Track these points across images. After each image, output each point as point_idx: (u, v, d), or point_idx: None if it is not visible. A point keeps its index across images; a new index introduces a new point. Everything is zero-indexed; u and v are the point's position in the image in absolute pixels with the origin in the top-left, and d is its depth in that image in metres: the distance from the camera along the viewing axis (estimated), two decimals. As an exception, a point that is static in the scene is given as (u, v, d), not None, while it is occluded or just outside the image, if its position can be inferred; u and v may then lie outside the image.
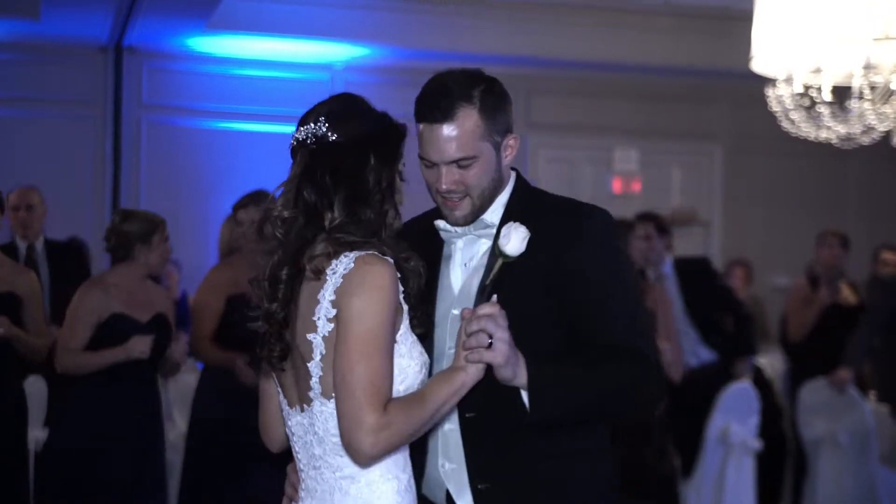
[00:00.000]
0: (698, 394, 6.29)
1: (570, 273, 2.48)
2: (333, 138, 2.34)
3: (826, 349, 7.08)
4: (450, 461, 2.55)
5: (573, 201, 2.62)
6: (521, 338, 2.39)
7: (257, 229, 2.43)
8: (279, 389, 2.47)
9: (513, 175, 2.64)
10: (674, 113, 11.20)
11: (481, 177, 2.52)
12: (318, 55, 9.98)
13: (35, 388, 5.83)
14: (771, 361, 8.44)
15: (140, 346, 4.80)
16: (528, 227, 2.45)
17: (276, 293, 2.36)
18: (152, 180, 9.94)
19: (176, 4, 8.28)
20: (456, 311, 2.52)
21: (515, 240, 2.43)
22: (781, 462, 7.50)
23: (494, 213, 2.58)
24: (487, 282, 2.47)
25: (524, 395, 2.40)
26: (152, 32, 9.16)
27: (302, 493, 2.44)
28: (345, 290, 2.26)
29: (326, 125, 2.35)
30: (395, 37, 9.65)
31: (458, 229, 2.58)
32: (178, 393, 6.25)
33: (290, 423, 2.43)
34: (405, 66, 10.22)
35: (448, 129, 2.48)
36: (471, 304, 2.49)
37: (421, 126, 2.54)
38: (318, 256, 2.30)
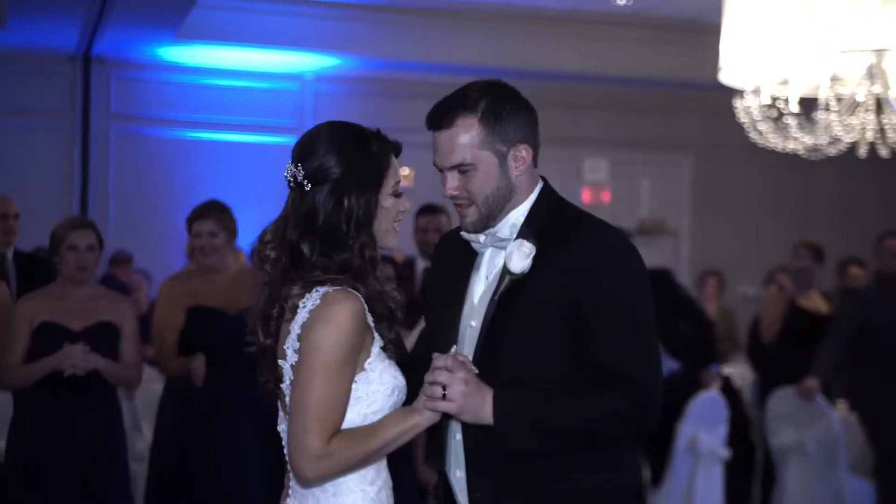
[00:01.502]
0: (665, 403, 6.30)
1: (575, 293, 2.49)
2: (308, 188, 2.47)
3: (794, 358, 7.12)
4: (460, 469, 2.62)
5: (589, 220, 2.63)
6: (527, 354, 2.51)
7: (258, 264, 2.57)
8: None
9: (538, 187, 2.66)
10: (643, 123, 11.26)
11: (483, 185, 2.57)
12: (288, 65, 9.97)
13: None
14: (739, 371, 8.49)
15: (69, 360, 4.72)
16: (545, 243, 2.51)
17: (269, 329, 2.52)
18: (121, 190, 9.89)
19: (145, 14, 8.25)
20: (474, 323, 2.60)
21: (517, 258, 2.50)
22: (750, 471, 7.53)
23: (512, 228, 2.61)
24: (496, 297, 2.54)
25: None
26: (121, 42, 9.12)
27: (289, 497, 2.57)
28: (308, 325, 2.40)
29: (303, 172, 2.47)
30: (365, 47, 9.65)
31: (482, 239, 2.63)
32: (145, 403, 6.20)
33: (280, 429, 2.58)
34: (375, 76, 10.24)
35: (447, 136, 2.57)
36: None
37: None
38: (293, 296, 2.45)
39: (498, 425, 2.44)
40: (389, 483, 2.56)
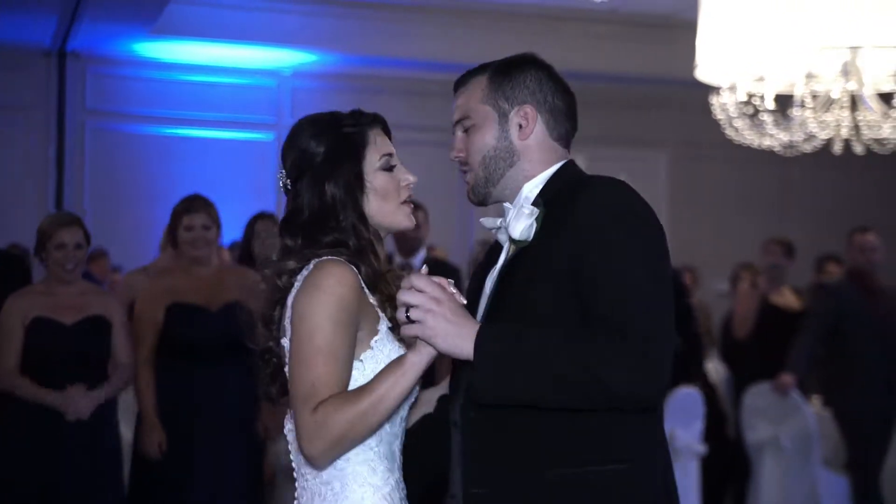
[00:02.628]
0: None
1: (574, 253, 2.27)
2: (289, 187, 2.44)
3: (767, 354, 7.16)
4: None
5: (590, 178, 2.44)
6: (527, 323, 2.25)
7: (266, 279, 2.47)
8: None
9: (561, 163, 2.51)
10: (620, 120, 11.28)
11: (481, 143, 2.47)
12: (265, 61, 9.94)
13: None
14: (715, 366, 8.52)
15: (73, 408, 4.74)
16: (551, 211, 2.35)
17: (272, 332, 2.40)
18: (96, 186, 9.84)
19: (120, 9, 8.22)
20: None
21: (516, 222, 2.36)
22: (726, 466, 7.56)
23: (525, 202, 2.42)
24: (500, 267, 2.42)
25: None
26: (96, 37, 9.08)
27: (296, 501, 2.43)
28: (298, 292, 2.30)
29: (284, 173, 2.45)
30: (342, 43, 9.64)
31: (499, 222, 2.47)
32: (125, 403, 6.17)
33: (286, 430, 2.44)
34: (353, 72, 10.22)
35: (457, 94, 2.56)
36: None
37: None
38: (288, 271, 2.37)
39: (478, 358, 2.17)
40: (403, 488, 2.41)
